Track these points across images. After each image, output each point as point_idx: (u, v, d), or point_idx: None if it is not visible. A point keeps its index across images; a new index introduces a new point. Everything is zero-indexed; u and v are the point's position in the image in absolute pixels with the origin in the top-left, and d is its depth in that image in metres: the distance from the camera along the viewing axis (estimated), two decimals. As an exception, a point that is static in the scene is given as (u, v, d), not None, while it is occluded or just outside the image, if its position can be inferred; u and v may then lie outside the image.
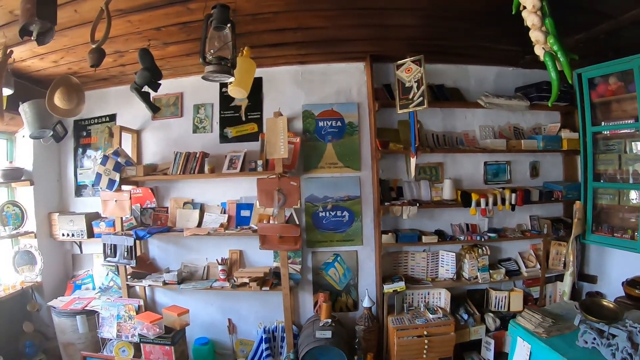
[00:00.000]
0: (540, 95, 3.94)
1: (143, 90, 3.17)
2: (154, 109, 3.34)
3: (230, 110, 4.05)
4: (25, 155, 4.25)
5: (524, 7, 2.01)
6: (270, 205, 3.59)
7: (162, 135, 4.17)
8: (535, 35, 2.02)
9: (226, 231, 3.77)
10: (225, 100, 4.04)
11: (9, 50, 2.96)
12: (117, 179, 3.85)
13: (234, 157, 3.79)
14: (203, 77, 2.50)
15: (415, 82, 3.56)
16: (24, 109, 3.69)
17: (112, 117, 4.34)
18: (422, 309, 3.70)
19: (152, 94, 3.21)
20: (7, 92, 3.17)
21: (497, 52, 3.77)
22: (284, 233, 3.57)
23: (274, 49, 3.59)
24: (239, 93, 3.27)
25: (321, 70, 4.01)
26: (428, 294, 3.82)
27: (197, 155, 3.77)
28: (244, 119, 4.02)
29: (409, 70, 3.60)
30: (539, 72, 4.01)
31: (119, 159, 3.85)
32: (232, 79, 2.58)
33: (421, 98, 3.50)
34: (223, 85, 3.99)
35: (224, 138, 4.04)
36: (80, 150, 4.46)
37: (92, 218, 4.21)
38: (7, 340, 3.87)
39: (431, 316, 3.56)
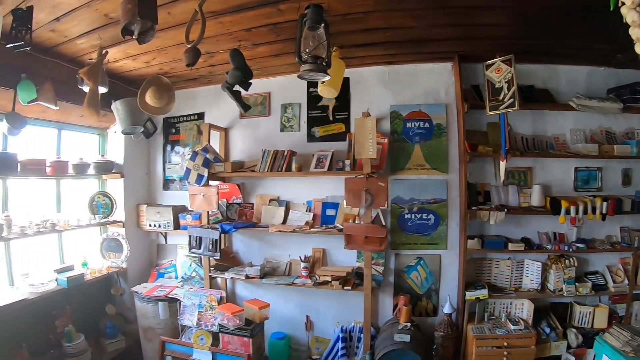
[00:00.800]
0: (635, 97, 3.68)
1: (234, 89, 3.23)
2: (245, 107, 3.40)
3: (317, 110, 4.08)
4: (117, 150, 4.45)
5: (623, 3, 1.88)
6: (358, 205, 3.58)
7: (250, 134, 4.25)
8: (636, 32, 1.88)
9: (311, 229, 3.79)
10: (313, 100, 4.07)
11: (104, 51, 3.09)
12: (206, 175, 3.96)
13: (321, 156, 3.81)
14: (299, 76, 2.50)
15: (505, 82, 3.44)
16: (117, 106, 3.86)
17: (201, 115, 4.48)
18: (503, 319, 3.59)
19: (243, 92, 3.28)
20: (101, 90, 3.28)
21: (588, 50, 3.56)
22: (370, 233, 3.55)
23: (362, 49, 3.57)
24: (329, 93, 3.29)
25: (408, 70, 3.95)
26: (510, 304, 3.70)
27: (285, 154, 3.82)
28: (331, 118, 4.03)
29: (498, 71, 3.49)
30: (632, 73, 3.76)
31: (207, 155, 3.95)
32: (327, 78, 2.57)
33: (512, 99, 3.39)
34: (310, 85, 4.03)
35: (311, 137, 4.07)
36: (168, 146, 4.63)
37: (178, 211, 4.36)
38: (90, 320, 4.10)
39: (512, 327, 3.44)
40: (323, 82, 2.94)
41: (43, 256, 3.92)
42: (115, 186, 4.45)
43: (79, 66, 3.30)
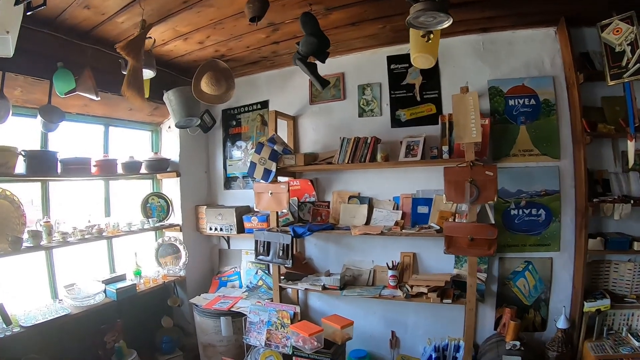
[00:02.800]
0: None
1: (309, 61, 2.73)
2: (323, 82, 2.92)
3: (401, 89, 3.49)
4: (172, 147, 4.06)
5: None
6: (460, 200, 2.98)
7: (323, 121, 3.73)
8: None
9: (403, 231, 3.21)
10: (396, 78, 3.50)
11: (147, 24, 2.63)
12: (274, 169, 3.46)
13: (411, 142, 3.24)
14: (408, 23, 2.03)
15: (627, 44, 2.76)
16: (169, 97, 3.54)
17: (264, 104, 4.00)
18: (624, 334, 2.94)
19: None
20: (148, 74, 2.88)
21: None
22: (476, 235, 2.94)
23: (455, 11, 2.96)
24: (426, 61, 2.77)
25: (506, 38, 3.31)
26: (632, 315, 3.02)
27: (369, 141, 3.26)
28: (418, 99, 3.44)
29: (617, 31, 2.79)
30: None
31: (275, 147, 3.45)
32: (449, 22, 2.06)
33: (638, 64, 2.71)
34: (392, 61, 3.48)
35: (395, 121, 3.49)
36: (229, 140, 4.17)
37: (242, 212, 3.91)
38: (144, 335, 3.69)
39: (637, 344, 2.80)
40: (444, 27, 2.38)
41: (90, 265, 3.54)
42: (171, 186, 4.05)
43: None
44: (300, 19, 2.62)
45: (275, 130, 3.58)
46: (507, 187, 3.26)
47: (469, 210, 2.99)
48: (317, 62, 2.84)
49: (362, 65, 3.57)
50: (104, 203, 3.68)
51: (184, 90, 3.45)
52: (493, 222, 3.06)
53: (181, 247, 3.91)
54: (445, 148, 3.10)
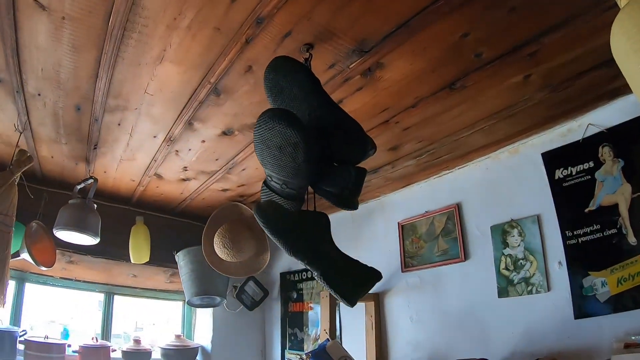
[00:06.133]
0: None
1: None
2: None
3: (588, 224, 1.35)
4: (205, 327, 2.63)
5: None
6: None
7: (427, 303, 1.76)
8: None
9: None
10: (570, 198, 1.39)
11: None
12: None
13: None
14: None
15: None
16: (178, 260, 2.38)
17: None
18: None
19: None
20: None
21: None
22: None
23: None
24: None
25: None
26: None
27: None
28: (633, 240, 1.30)
29: None
30: None
31: None
32: None
33: None
34: (556, 160, 1.49)
35: (586, 304, 1.26)
36: (288, 321, 2.51)
37: None
38: None
39: None
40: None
41: None
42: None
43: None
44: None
45: (332, 327, 1.82)
46: None
47: None
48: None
49: (493, 183, 1.65)
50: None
51: (196, 253, 2.22)
52: None
53: None
54: None
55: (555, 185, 1.47)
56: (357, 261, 1.13)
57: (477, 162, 1.72)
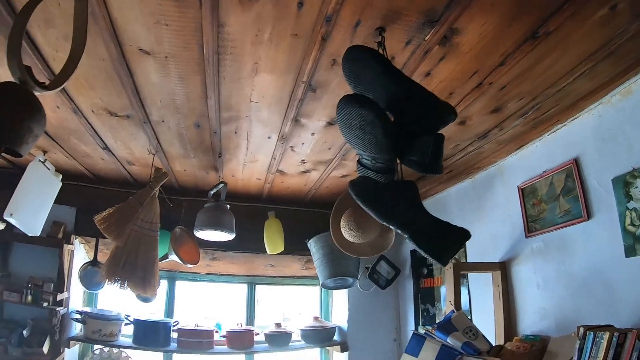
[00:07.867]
0: None
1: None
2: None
3: None
4: (340, 308, 2.84)
5: None
6: None
7: (553, 269, 1.65)
8: None
9: None
10: None
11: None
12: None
13: None
14: None
15: None
16: (311, 247, 2.61)
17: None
18: None
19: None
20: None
21: None
22: None
23: None
24: None
25: None
26: None
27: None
28: None
29: None
30: None
31: (449, 340, 1.69)
32: None
33: None
34: None
35: None
36: (420, 298, 2.58)
37: None
38: None
39: None
40: None
41: None
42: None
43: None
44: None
45: (457, 299, 1.83)
46: None
47: None
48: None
49: (608, 130, 1.47)
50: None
51: (326, 238, 2.41)
52: None
53: None
54: None
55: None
56: (447, 223, 1.17)
57: (589, 111, 1.55)
